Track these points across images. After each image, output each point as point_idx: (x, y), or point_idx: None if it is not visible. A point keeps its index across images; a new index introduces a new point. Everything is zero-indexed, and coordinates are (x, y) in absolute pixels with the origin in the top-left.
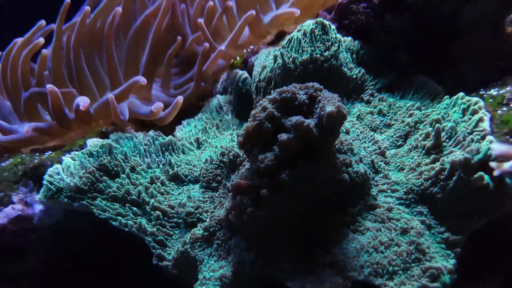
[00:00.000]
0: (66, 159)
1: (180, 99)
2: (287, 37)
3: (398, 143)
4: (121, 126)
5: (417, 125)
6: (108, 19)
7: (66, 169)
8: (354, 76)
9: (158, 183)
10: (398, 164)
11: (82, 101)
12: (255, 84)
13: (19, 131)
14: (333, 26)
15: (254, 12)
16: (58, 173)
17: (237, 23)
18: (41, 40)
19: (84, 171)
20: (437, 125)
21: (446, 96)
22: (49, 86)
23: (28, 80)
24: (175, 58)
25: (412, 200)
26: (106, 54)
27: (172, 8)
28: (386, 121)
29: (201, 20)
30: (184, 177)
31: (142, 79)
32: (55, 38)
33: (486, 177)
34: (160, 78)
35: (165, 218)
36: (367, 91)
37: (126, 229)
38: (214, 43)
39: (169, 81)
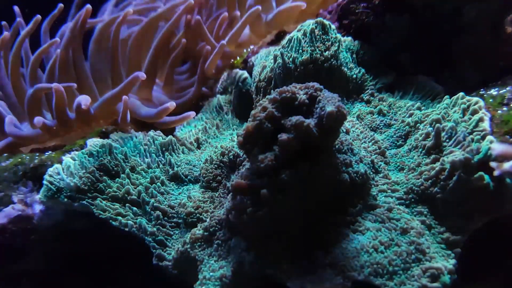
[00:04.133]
0: (66, 159)
1: (171, 105)
2: (287, 37)
3: (398, 143)
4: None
5: (417, 125)
6: (117, 20)
7: (66, 169)
8: (354, 76)
9: (158, 183)
10: (398, 164)
11: (84, 100)
12: (255, 84)
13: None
14: (333, 26)
15: (260, 7)
16: (58, 173)
17: (238, 21)
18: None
19: (84, 171)
20: (437, 125)
21: (446, 96)
22: (55, 85)
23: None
24: (185, 63)
25: (412, 200)
26: (111, 54)
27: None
28: (386, 121)
29: (199, 17)
30: (184, 177)
31: (141, 74)
32: (68, 39)
33: (486, 177)
34: (163, 80)
35: (165, 218)
36: (367, 91)
37: (126, 229)
38: (213, 40)
39: (172, 84)
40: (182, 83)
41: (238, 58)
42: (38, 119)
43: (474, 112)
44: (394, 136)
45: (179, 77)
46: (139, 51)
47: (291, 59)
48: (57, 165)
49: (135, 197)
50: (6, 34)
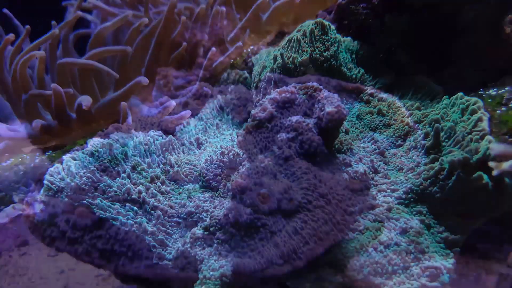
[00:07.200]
0: (67, 158)
1: (170, 104)
2: (287, 37)
3: (397, 143)
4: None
5: (416, 125)
6: (133, 26)
7: (67, 168)
8: (354, 76)
9: (159, 183)
10: (397, 163)
11: (85, 100)
12: (255, 84)
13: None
14: (332, 27)
15: None
16: (59, 173)
17: (236, 22)
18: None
19: (84, 170)
20: (436, 125)
21: (445, 96)
22: (54, 85)
23: (28, 81)
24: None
25: (412, 199)
26: (120, 57)
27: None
28: (385, 121)
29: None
30: (184, 177)
31: (144, 80)
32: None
33: (485, 176)
34: (162, 79)
35: (166, 217)
36: (366, 91)
37: (127, 229)
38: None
39: (171, 83)
40: (181, 81)
41: (238, 58)
42: (36, 123)
43: (473, 112)
44: (393, 136)
45: (177, 75)
46: (142, 55)
47: (290, 59)
48: (57, 165)
49: (136, 196)
50: (10, 35)
